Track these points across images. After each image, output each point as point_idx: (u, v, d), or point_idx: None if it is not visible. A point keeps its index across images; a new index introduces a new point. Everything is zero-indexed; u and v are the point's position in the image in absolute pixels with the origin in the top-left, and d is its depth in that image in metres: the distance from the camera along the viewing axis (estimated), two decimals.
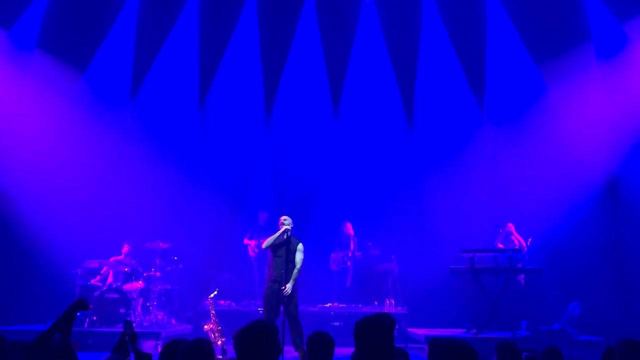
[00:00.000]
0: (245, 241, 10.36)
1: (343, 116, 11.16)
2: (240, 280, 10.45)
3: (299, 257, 7.20)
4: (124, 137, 10.44)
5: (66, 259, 9.27)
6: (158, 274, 9.37)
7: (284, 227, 7.20)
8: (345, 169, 11.09)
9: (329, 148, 11.15)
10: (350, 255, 10.32)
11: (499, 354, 4.31)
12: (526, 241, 9.23)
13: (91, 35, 10.25)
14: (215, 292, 8.24)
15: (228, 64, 11.00)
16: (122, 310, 8.58)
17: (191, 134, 11.00)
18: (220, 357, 6.69)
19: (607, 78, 9.46)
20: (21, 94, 9.69)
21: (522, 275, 8.82)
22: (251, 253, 10.33)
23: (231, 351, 5.31)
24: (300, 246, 7.26)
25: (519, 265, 8.46)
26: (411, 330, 9.07)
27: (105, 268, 9.24)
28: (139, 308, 9.03)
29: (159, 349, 7.53)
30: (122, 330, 4.22)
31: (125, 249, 9.38)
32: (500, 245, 9.18)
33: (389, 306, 9.58)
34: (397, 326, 2.85)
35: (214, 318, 7.85)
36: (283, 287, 7.00)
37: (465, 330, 8.39)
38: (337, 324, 9.23)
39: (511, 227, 9.33)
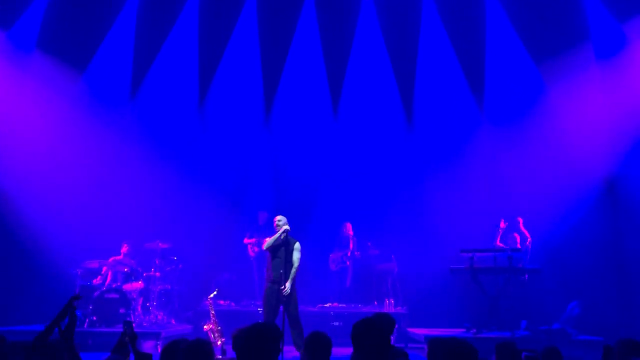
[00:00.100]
0: (245, 241, 10.37)
1: (342, 116, 11.17)
2: (240, 281, 10.45)
3: (296, 256, 7.22)
4: (124, 137, 10.44)
5: (66, 259, 9.28)
6: (158, 274, 9.37)
7: (284, 228, 7.21)
8: (345, 169, 11.09)
9: (329, 148, 11.15)
10: (349, 255, 10.33)
11: (498, 353, 4.31)
12: (524, 242, 9.22)
13: (91, 35, 10.25)
14: (215, 292, 8.25)
15: (227, 64, 11.00)
16: (121, 311, 8.58)
17: (191, 134, 11.00)
18: (220, 357, 6.70)
19: (606, 78, 9.47)
20: (21, 95, 9.69)
21: (526, 275, 8.82)
22: (251, 252, 10.33)
23: (231, 351, 5.32)
24: (297, 245, 7.27)
25: (519, 265, 8.47)
26: (411, 330, 9.08)
27: (104, 268, 9.24)
28: (138, 308, 9.03)
29: (159, 349, 7.55)
30: (121, 330, 4.23)
31: (125, 249, 9.38)
32: (500, 244, 9.18)
33: (389, 306, 9.59)
34: (396, 326, 2.86)
35: (213, 318, 7.86)
36: (282, 287, 7.01)
37: (464, 330, 8.39)
38: (336, 323, 9.24)
39: (520, 221, 9.30)
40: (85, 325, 8.44)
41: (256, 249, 10.19)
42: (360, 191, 10.90)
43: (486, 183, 10.25)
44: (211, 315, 7.92)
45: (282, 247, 7.18)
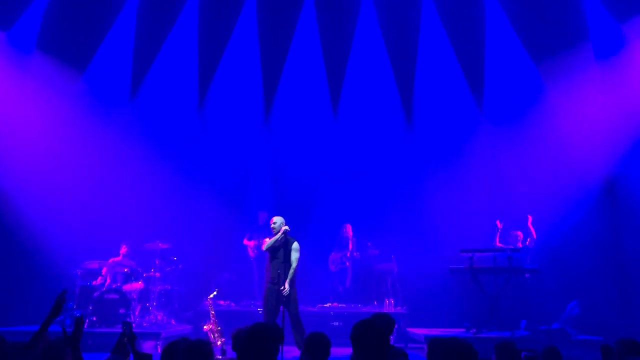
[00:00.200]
0: (245, 242, 10.37)
1: (342, 116, 11.18)
2: (239, 281, 10.45)
3: (294, 256, 7.18)
4: (124, 137, 10.44)
5: (66, 260, 9.28)
6: (158, 274, 9.37)
7: (283, 228, 7.20)
8: (345, 169, 11.10)
9: (328, 148, 11.16)
10: (348, 256, 10.33)
11: (497, 353, 4.31)
12: (525, 241, 9.23)
13: (90, 36, 10.26)
14: (215, 293, 8.25)
15: (227, 64, 11.00)
16: (121, 311, 8.58)
17: (190, 135, 11.00)
18: (220, 357, 6.69)
19: (605, 78, 9.47)
20: (21, 95, 9.69)
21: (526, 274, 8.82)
22: (251, 253, 10.33)
23: (231, 351, 5.32)
24: (295, 245, 7.23)
25: (519, 265, 8.47)
26: (410, 330, 9.08)
27: (104, 269, 9.24)
28: (138, 308, 9.03)
29: (159, 350, 7.56)
30: (121, 331, 4.22)
31: (123, 249, 9.37)
32: (499, 244, 9.19)
33: (388, 306, 9.59)
34: (396, 326, 2.86)
35: (213, 318, 7.86)
36: (282, 288, 7.01)
37: (464, 330, 8.39)
38: (336, 323, 9.24)
39: (529, 218, 9.28)
40: (85, 326, 8.42)
41: (256, 251, 10.19)
42: (360, 191, 10.90)
43: (486, 183, 10.25)
44: (211, 315, 7.92)
45: (281, 248, 7.17)
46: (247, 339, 2.94)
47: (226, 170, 10.88)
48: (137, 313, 8.95)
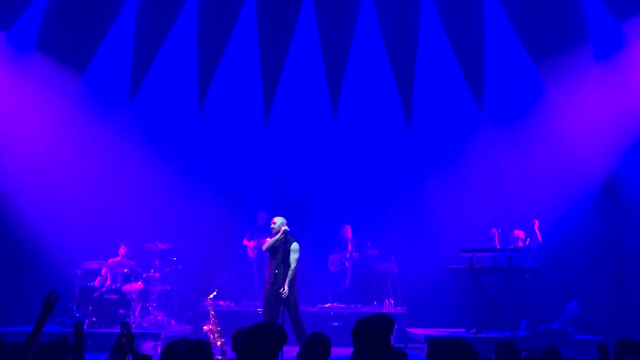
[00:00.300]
0: (245, 242, 10.37)
1: (342, 116, 11.17)
2: (239, 281, 10.45)
3: (293, 257, 7.12)
4: (124, 137, 10.44)
5: (66, 260, 9.27)
6: (157, 274, 9.37)
7: (283, 229, 7.18)
8: (344, 169, 11.09)
9: (328, 148, 11.15)
10: (348, 256, 10.33)
11: (497, 353, 4.31)
12: (524, 241, 9.22)
13: (90, 36, 10.25)
14: (215, 293, 8.25)
15: (227, 64, 11.00)
16: (121, 311, 8.57)
17: (190, 135, 11.00)
18: (220, 357, 6.69)
19: (605, 78, 9.47)
20: (20, 95, 9.69)
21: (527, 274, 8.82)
22: (250, 254, 10.33)
23: (231, 352, 5.32)
24: (294, 246, 7.16)
25: (519, 265, 8.47)
26: (410, 330, 9.08)
27: (103, 270, 9.24)
28: (138, 309, 9.03)
29: (159, 350, 7.55)
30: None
31: (122, 249, 9.36)
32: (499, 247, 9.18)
33: (388, 306, 9.59)
34: (396, 326, 2.86)
35: (213, 319, 7.85)
36: (282, 290, 6.98)
37: (464, 330, 8.39)
38: (336, 324, 9.24)
39: (536, 223, 9.24)
40: (85, 326, 8.43)
41: (256, 251, 10.19)
42: (360, 191, 10.90)
43: (486, 183, 10.25)
44: (211, 315, 7.92)
45: (281, 248, 7.15)
46: (248, 338, 2.93)
47: (226, 170, 10.87)
48: (136, 313, 8.94)
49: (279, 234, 7.16)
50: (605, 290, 9.02)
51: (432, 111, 10.89)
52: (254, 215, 10.57)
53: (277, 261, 7.11)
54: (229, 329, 5.51)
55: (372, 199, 10.82)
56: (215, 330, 7.74)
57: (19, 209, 9.55)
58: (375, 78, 10.99)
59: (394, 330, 5.18)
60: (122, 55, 10.60)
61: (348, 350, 3.51)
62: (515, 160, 9.99)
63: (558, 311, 8.63)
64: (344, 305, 9.90)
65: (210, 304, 8.02)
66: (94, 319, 8.52)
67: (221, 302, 9.70)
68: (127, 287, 8.98)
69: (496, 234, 9.22)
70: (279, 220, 7.28)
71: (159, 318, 9.19)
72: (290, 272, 7.06)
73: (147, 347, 8.01)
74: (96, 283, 9.13)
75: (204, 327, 7.83)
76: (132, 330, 3.99)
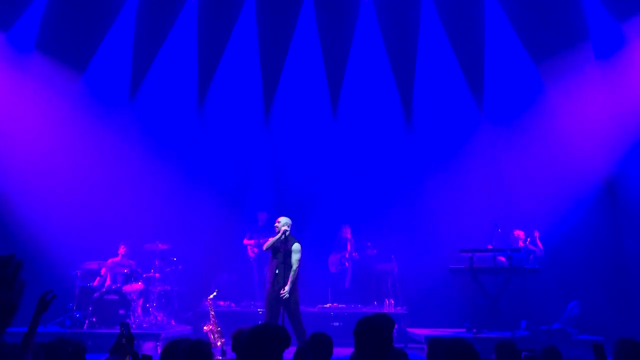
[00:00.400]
0: (245, 241, 10.36)
1: (342, 116, 11.17)
2: (239, 281, 10.44)
3: (294, 257, 7.06)
4: (123, 137, 10.44)
5: (65, 260, 9.25)
6: (157, 275, 9.37)
7: (283, 229, 7.16)
8: (344, 169, 11.09)
9: (328, 148, 11.15)
10: (347, 256, 10.33)
11: (498, 353, 4.31)
12: (524, 241, 9.22)
13: (90, 36, 10.25)
14: (215, 293, 8.24)
15: (227, 64, 11.00)
16: (121, 312, 8.56)
17: (190, 135, 11.00)
18: (220, 357, 6.69)
19: (605, 78, 9.47)
20: (20, 96, 9.69)
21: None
22: (250, 254, 10.32)
23: (231, 352, 5.32)
24: (295, 247, 7.11)
25: (519, 265, 8.47)
26: (411, 330, 9.08)
27: (103, 270, 9.23)
28: (138, 309, 9.02)
29: (159, 350, 7.55)
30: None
31: (122, 250, 9.35)
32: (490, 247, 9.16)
33: (389, 306, 9.59)
34: (396, 326, 2.86)
35: (213, 319, 7.85)
36: (282, 291, 6.97)
37: (465, 330, 8.39)
38: (336, 324, 9.24)
39: (536, 235, 9.23)
40: (85, 327, 8.43)
41: (256, 250, 10.19)
42: (359, 191, 10.89)
43: (486, 183, 10.25)
44: (211, 316, 7.91)
45: (281, 249, 7.14)
46: (250, 340, 2.91)
47: (226, 170, 10.87)
48: (137, 314, 8.93)
49: (279, 235, 7.15)
50: (605, 290, 9.02)
51: (432, 111, 10.89)
52: (254, 215, 10.56)
53: (278, 261, 7.10)
54: (229, 329, 5.50)
55: (371, 199, 10.82)
56: (215, 330, 7.73)
57: (19, 209, 9.54)
58: (375, 78, 10.99)
59: (394, 331, 5.18)
60: (122, 55, 10.59)
61: (348, 350, 3.51)
62: (515, 160, 9.99)
63: (558, 311, 8.62)
64: (344, 306, 9.89)
65: (210, 304, 8.02)
66: (94, 320, 8.51)
67: (221, 303, 9.69)
68: (127, 288, 8.97)
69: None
70: (283, 220, 7.24)
71: (159, 318, 9.19)
72: (292, 273, 7.01)
73: (147, 347, 8.01)
74: (96, 283, 9.14)
75: (204, 328, 7.83)
76: (132, 331, 3.99)
